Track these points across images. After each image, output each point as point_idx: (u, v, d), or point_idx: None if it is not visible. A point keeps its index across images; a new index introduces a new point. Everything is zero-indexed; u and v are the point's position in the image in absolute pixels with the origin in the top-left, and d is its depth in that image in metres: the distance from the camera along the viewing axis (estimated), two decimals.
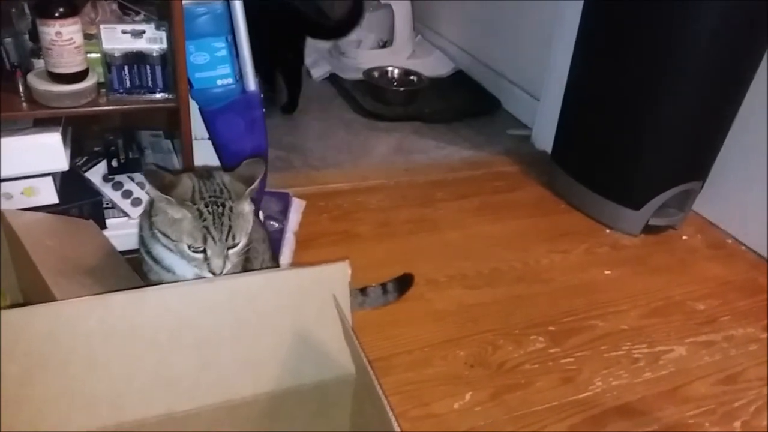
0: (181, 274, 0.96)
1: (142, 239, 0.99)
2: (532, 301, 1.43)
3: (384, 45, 2.79)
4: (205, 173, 0.95)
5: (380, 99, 2.36)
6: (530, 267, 1.55)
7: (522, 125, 2.29)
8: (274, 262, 1.21)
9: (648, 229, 1.70)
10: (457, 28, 2.77)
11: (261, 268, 1.10)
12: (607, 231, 1.72)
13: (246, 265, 1.05)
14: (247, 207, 0.94)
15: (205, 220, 0.89)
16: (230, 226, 0.90)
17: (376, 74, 2.45)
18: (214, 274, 0.91)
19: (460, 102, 2.43)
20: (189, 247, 0.89)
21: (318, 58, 2.66)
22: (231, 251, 0.92)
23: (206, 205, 0.89)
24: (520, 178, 1.96)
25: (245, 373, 0.89)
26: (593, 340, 1.33)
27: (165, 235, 0.91)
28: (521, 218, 1.76)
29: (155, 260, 0.97)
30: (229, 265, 0.92)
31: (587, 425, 1.13)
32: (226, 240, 0.90)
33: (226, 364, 0.88)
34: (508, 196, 1.87)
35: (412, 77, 2.48)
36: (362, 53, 2.70)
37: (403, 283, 1.40)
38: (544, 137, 2.09)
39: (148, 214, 0.95)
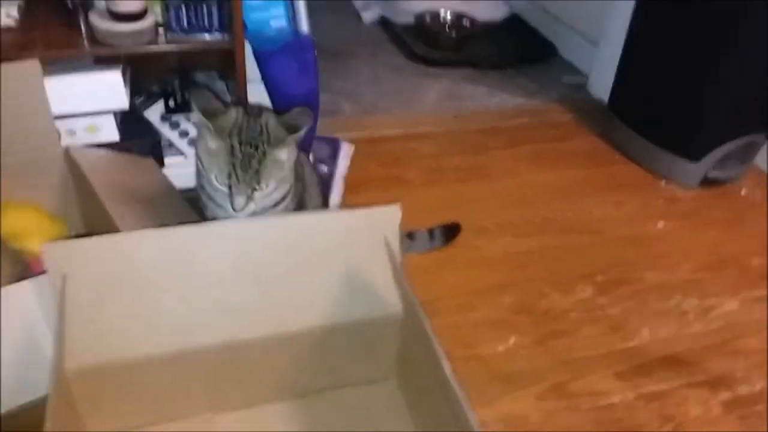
0: (229, 212, 0.95)
1: (198, 172, 1.01)
2: (581, 251, 1.41)
3: None
4: (255, 110, 0.95)
5: (431, 43, 2.31)
6: (581, 217, 1.53)
7: (578, 72, 2.21)
8: (325, 207, 1.22)
9: (706, 182, 1.64)
10: None
11: None
12: (664, 183, 1.67)
13: (301, 209, 1.07)
14: (284, 155, 0.92)
15: (235, 157, 0.88)
16: (257, 170, 0.89)
17: (427, 18, 2.40)
18: (235, 211, 0.91)
19: (513, 47, 2.36)
20: (216, 178, 0.90)
21: (368, 0, 2.61)
22: (257, 194, 0.91)
23: (240, 143, 0.89)
24: (575, 127, 1.92)
25: (299, 307, 0.93)
26: (642, 291, 1.32)
27: (201, 162, 0.92)
28: (574, 168, 1.73)
29: (209, 197, 0.98)
30: (252, 206, 0.92)
31: (633, 373, 1.13)
32: (251, 182, 0.89)
33: (282, 297, 0.91)
34: (561, 145, 1.83)
35: (464, 21, 2.42)
36: None
37: (450, 231, 1.40)
38: (601, 85, 2.02)
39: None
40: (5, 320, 0.83)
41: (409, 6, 2.52)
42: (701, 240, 1.47)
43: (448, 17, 2.44)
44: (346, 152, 1.69)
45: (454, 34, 2.39)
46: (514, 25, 2.52)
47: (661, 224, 1.53)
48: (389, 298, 0.96)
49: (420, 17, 2.38)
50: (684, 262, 1.40)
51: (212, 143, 0.89)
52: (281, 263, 0.91)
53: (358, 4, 2.60)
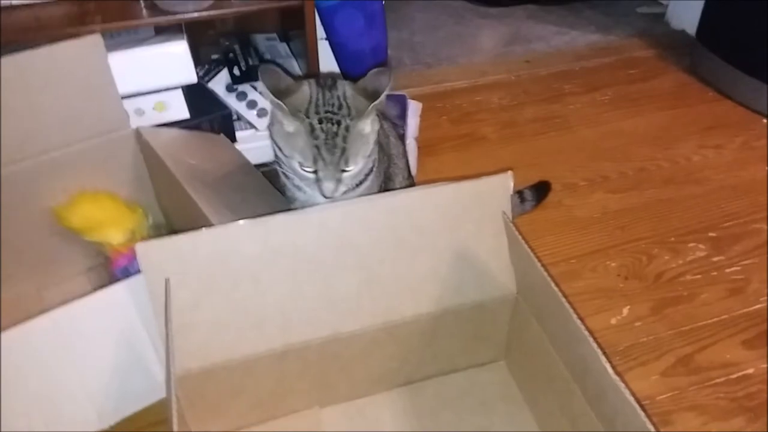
0: (311, 194, 0.85)
1: (277, 160, 0.88)
2: (686, 205, 1.29)
3: None
4: (329, 82, 0.84)
5: None
6: (680, 166, 1.40)
7: (653, 1, 2.02)
8: (411, 178, 1.12)
9: None
10: None
11: (401, 186, 1.02)
12: (765, 121, 1.52)
13: (388, 184, 0.98)
14: (368, 127, 0.81)
15: (317, 138, 0.77)
16: (344, 149, 0.78)
17: None
18: (325, 197, 0.81)
19: None
20: (300, 165, 0.80)
21: None
22: (346, 174, 0.80)
23: (320, 121, 0.78)
24: (657, 64, 1.75)
25: (406, 293, 0.85)
26: (760, 246, 1.20)
27: (279, 148, 0.82)
28: (663, 110, 1.58)
29: (286, 176, 0.87)
30: (342, 188, 0.81)
31: (763, 340, 1.03)
32: (339, 163, 0.79)
33: (387, 284, 0.84)
34: (645, 85, 1.67)
35: None
36: None
37: (541, 190, 1.29)
38: (683, 14, 1.84)
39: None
40: (101, 327, 0.78)
41: None
42: None
43: None
44: (414, 110, 1.56)
45: None
46: None
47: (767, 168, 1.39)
48: (501, 277, 0.88)
49: None
50: None
51: (289, 126, 0.79)
52: (385, 247, 0.83)
53: None
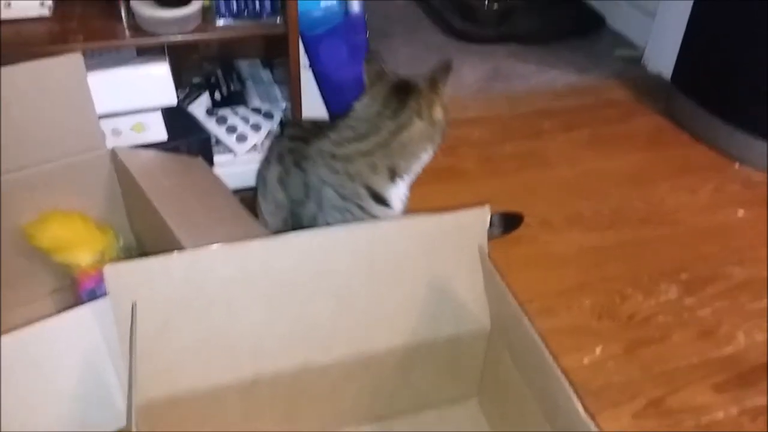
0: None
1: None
2: (659, 245, 1.31)
3: None
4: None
5: (471, 18, 2.17)
6: (654, 207, 1.42)
7: (630, 45, 2.07)
8: None
9: None
10: None
11: None
12: (737, 166, 1.55)
13: None
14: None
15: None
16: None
17: None
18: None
19: (559, 20, 2.21)
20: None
21: None
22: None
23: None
24: (634, 106, 1.79)
25: (380, 323, 0.84)
26: (731, 289, 1.21)
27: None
28: (639, 151, 1.61)
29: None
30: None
31: (734, 385, 1.03)
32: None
33: (362, 313, 0.83)
34: (622, 126, 1.71)
35: None
36: None
37: (510, 220, 1.30)
38: (659, 58, 1.88)
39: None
40: (64, 351, 0.75)
41: None
42: None
43: None
44: None
45: (494, 8, 2.25)
46: None
47: (741, 212, 1.41)
48: (476, 311, 0.88)
49: None
50: None
51: None
52: (362, 275, 0.82)
53: None
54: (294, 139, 1.00)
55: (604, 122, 1.72)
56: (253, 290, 0.77)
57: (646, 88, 1.85)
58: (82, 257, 0.95)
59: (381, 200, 0.96)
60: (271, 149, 1.02)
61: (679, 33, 1.68)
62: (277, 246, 0.78)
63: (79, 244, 0.96)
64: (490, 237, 1.25)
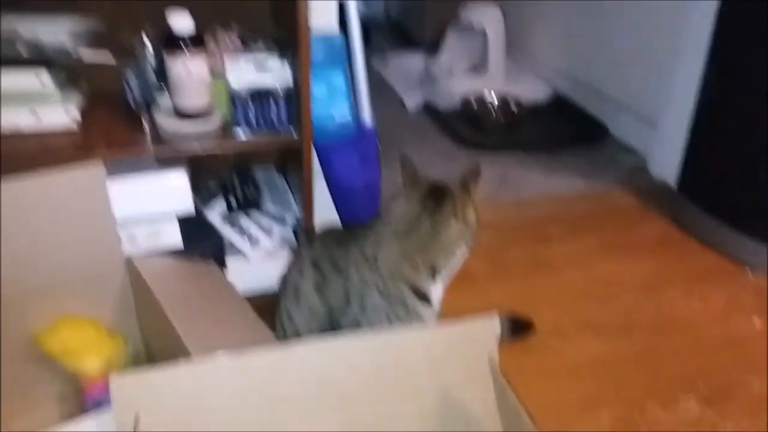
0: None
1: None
2: (675, 355, 1.28)
3: (476, 70, 2.71)
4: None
5: (479, 127, 2.26)
6: (667, 314, 1.40)
7: (634, 152, 2.13)
8: None
9: None
10: (554, 50, 2.65)
11: None
12: (749, 273, 1.54)
13: None
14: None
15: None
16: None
17: (473, 101, 2.37)
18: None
19: (562, 129, 2.30)
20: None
21: (411, 86, 2.60)
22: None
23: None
24: (640, 212, 1.81)
25: None
26: (752, 402, 1.17)
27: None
28: (648, 257, 1.61)
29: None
30: None
31: None
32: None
33: (369, 428, 0.80)
34: (629, 232, 1.72)
35: (510, 104, 2.38)
36: (455, 79, 2.62)
37: (519, 325, 1.29)
38: (663, 165, 1.93)
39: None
40: None
41: (451, 90, 2.50)
42: None
43: (494, 100, 2.41)
44: None
45: (501, 118, 2.35)
46: (560, 105, 2.48)
47: (755, 321, 1.39)
48: (488, 425, 0.84)
49: (465, 101, 2.35)
50: None
51: None
52: (368, 387, 0.80)
53: (401, 91, 2.59)
54: (327, 246, 1.02)
55: (612, 228, 1.73)
56: (256, 403, 0.75)
57: (652, 195, 1.88)
58: (90, 364, 0.94)
59: (423, 298, 0.99)
60: (300, 258, 1.03)
61: (681, 140, 1.73)
62: (282, 356, 0.77)
63: (88, 351, 0.95)
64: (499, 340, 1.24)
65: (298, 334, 0.99)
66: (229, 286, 1.06)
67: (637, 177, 2.00)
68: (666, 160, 1.89)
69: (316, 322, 0.99)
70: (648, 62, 2.07)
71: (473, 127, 2.26)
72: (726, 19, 1.53)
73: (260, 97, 1.10)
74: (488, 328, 0.85)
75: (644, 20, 2.08)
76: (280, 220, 1.28)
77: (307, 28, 1.02)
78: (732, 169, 1.58)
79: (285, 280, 1.03)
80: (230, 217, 1.23)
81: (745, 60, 1.49)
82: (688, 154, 1.72)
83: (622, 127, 2.22)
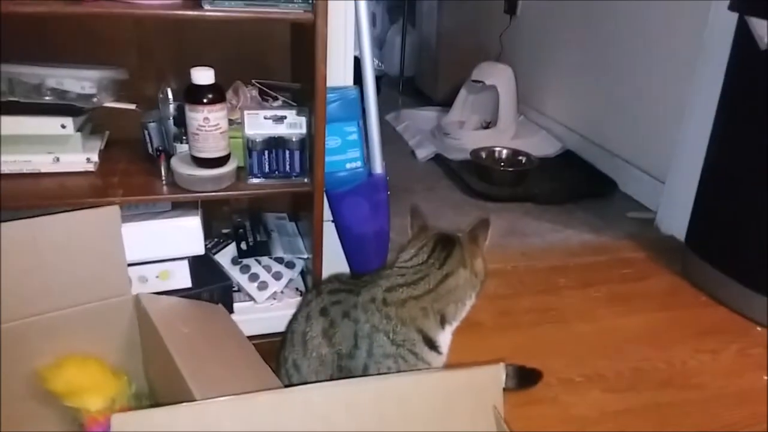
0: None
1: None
2: (684, 411, 1.26)
3: (487, 126, 2.77)
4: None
5: (488, 179, 2.30)
6: (676, 369, 1.38)
7: (643, 207, 2.15)
8: None
9: None
10: (565, 107, 2.71)
11: None
12: (759, 329, 1.53)
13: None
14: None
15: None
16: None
17: (483, 154, 2.41)
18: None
19: (572, 183, 2.33)
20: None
21: (422, 139, 2.66)
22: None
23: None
24: (649, 266, 1.81)
25: None
26: None
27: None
28: (657, 311, 1.61)
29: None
30: None
31: None
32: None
33: None
34: (638, 285, 1.72)
35: (520, 157, 2.42)
36: (466, 134, 2.68)
37: (527, 375, 1.28)
38: (672, 221, 1.94)
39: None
40: None
41: (462, 144, 2.55)
42: None
43: (503, 154, 2.45)
44: None
45: (510, 170, 2.38)
46: (570, 160, 2.52)
47: (766, 378, 1.36)
48: None
49: (476, 153, 2.39)
50: None
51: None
52: None
53: (412, 142, 2.65)
54: (336, 292, 1.03)
55: (620, 280, 1.73)
56: None
57: (661, 249, 1.88)
58: (93, 402, 0.95)
59: (432, 345, 0.99)
60: (307, 305, 1.04)
61: (690, 196, 1.75)
62: (284, 400, 0.78)
63: (91, 389, 0.96)
64: (504, 388, 1.23)
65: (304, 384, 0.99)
66: (235, 329, 1.07)
67: (646, 232, 2.01)
68: (674, 216, 1.91)
69: (324, 370, 1.00)
70: (656, 122, 2.11)
71: (482, 178, 2.29)
72: (734, 81, 1.57)
73: (275, 147, 1.14)
74: (494, 377, 0.85)
75: (653, 81, 2.13)
76: (290, 266, 1.30)
77: (324, 86, 1.07)
78: (739, 225, 1.58)
79: (291, 329, 1.04)
80: (240, 262, 1.25)
81: (752, 120, 1.52)
82: (696, 210, 1.73)
83: (631, 183, 2.25)
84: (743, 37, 1.49)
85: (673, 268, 1.77)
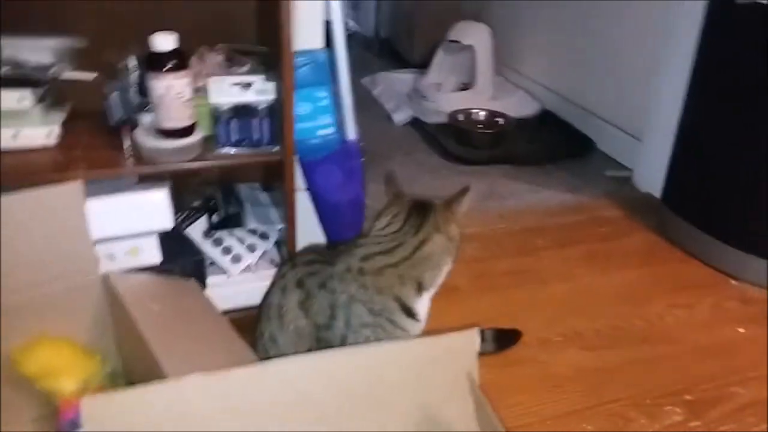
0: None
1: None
2: (660, 365, 1.28)
3: (465, 87, 2.73)
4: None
5: (466, 142, 2.27)
6: (653, 324, 1.40)
7: (620, 166, 2.15)
8: None
9: None
10: (542, 66, 2.68)
11: None
12: (733, 282, 1.55)
13: None
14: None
15: None
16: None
17: (460, 117, 2.38)
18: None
19: (550, 143, 2.32)
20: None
21: (399, 102, 2.62)
22: None
23: None
24: (626, 223, 1.82)
25: None
26: (737, 410, 1.17)
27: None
28: (633, 268, 1.62)
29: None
30: None
31: None
32: None
33: None
34: (615, 243, 1.73)
35: (497, 119, 2.40)
36: (443, 96, 2.64)
37: (506, 337, 1.29)
38: (649, 178, 1.95)
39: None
40: None
41: (439, 106, 2.52)
42: None
43: (481, 115, 2.43)
44: None
45: (488, 132, 2.36)
46: (548, 120, 2.50)
47: (740, 330, 1.39)
48: None
49: (453, 116, 2.36)
50: None
51: None
52: (348, 403, 0.80)
53: (389, 106, 2.61)
54: (311, 263, 1.02)
55: (598, 239, 1.74)
56: (233, 422, 0.74)
57: (638, 207, 1.89)
58: (66, 385, 0.93)
59: (410, 313, 0.99)
60: (282, 278, 1.03)
61: (666, 154, 1.75)
62: (258, 374, 0.77)
63: (64, 372, 0.94)
64: (483, 353, 1.24)
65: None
66: (208, 304, 1.05)
67: (623, 190, 2.02)
68: (651, 173, 1.91)
69: (302, 342, 0.99)
70: (632, 79, 2.09)
71: (460, 141, 2.27)
72: (709, 35, 1.55)
73: (243, 114, 1.10)
74: (468, 343, 0.84)
75: (627, 37, 2.11)
76: (264, 237, 1.28)
77: (291, 48, 1.03)
78: (714, 181, 1.59)
79: (266, 302, 1.03)
80: (212, 235, 1.23)
81: (727, 76, 1.51)
82: (672, 167, 1.74)
83: (608, 142, 2.24)
84: None
85: (650, 225, 1.79)
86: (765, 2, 1.35)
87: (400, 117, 2.50)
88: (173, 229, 1.17)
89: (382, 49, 3.36)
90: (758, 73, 1.41)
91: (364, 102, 2.71)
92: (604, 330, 1.38)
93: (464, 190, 1.03)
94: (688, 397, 1.19)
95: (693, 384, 1.22)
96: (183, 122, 1.03)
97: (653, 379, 1.23)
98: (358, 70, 3.00)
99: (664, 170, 1.76)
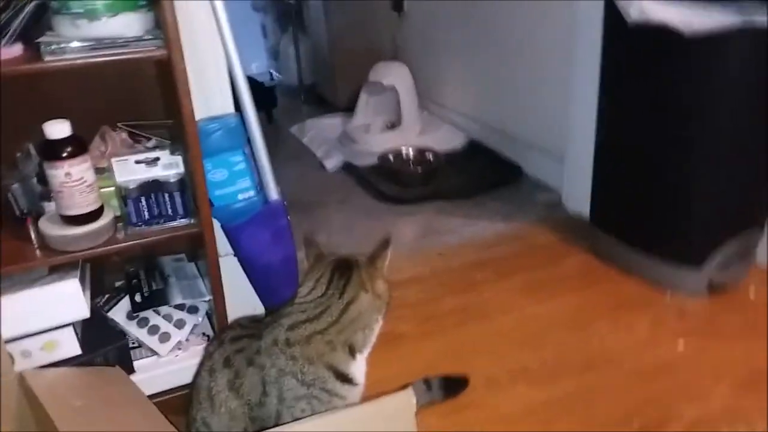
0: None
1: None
2: (607, 391, 1.28)
3: (392, 126, 2.76)
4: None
5: (398, 181, 2.29)
6: (596, 349, 1.41)
7: (549, 189, 2.19)
8: None
9: (712, 289, 1.56)
10: (463, 97, 2.74)
11: None
12: (669, 295, 1.59)
13: None
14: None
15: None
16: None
17: (390, 157, 2.40)
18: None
19: (479, 174, 2.35)
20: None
21: (329, 148, 2.62)
22: None
23: None
24: (561, 247, 1.85)
25: None
26: (686, 429, 1.18)
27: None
28: (572, 292, 1.64)
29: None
30: None
31: None
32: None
33: None
34: (551, 269, 1.75)
35: (427, 155, 2.42)
36: (372, 138, 2.66)
37: (453, 384, 1.26)
38: (576, 199, 1.99)
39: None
40: None
41: (369, 148, 2.53)
42: (727, 355, 1.36)
43: (410, 153, 2.45)
44: None
45: (419, 170, 2.38)
46: (475, 151, 2.54)
47: (681, 344, 1.42)
48: None
49: (383, 157, 2.38)
50: (717, 385, 1.28)
51: None
52: None
53: (319, 153, 2.60)
54: (238, 340, 0.98)
55: (534, 267, 1.76)
56: None
57: (570, 229, 1.93)
58: None
59: (345, 379, 0.95)
60: (210, 358, 0.99)
61: (589, 174, 1.78)
62: None
63: None
64: (433, 399, 1.22)
65: None
66: (135, 392, 0.99)
67: (554, 213, 2.06)
68: (578, 194, 1.95)
69: (235, 424, 0.94)
70: (551, 101, 2.15)
71: (392, 181, 2.28)
72: (609, 56, 1.60)
73: (154, 190, 1.07)
74: (405, 404, 0.83)
75: (542, 61, 2.17)
76: (192, 311, 1.23)
77: (193, 118, 1.01)
78: (635, 196, 1.64)
79: (196, 385, 0.98)
80: (137, 315, 1.17)
81: (631, 93, 1.57)
82: (595, 186, 1.78)
83: (534, 166, 2.29)
84: (612, 14, 1.53)
85: (583, 246, 1.82)
86: (656, 22, 1.40)
87: (332, 164, 2.50)
88: (94, 314, 1.11)
89: (308, 95, 3.38)
90: (657, 85, 1.47)
91: (295, 151, 2.70)
92: (549, 360, 1.38)
93: (385, 243, 1.02)
94: (636, 423, 1.20)
95: (640, 407, 1.24)
96: (88, 207, 0.99)
97: (601, 408, 1.24)
98: (285, 119, 3.03)
99: (589, 190, 1.80)
